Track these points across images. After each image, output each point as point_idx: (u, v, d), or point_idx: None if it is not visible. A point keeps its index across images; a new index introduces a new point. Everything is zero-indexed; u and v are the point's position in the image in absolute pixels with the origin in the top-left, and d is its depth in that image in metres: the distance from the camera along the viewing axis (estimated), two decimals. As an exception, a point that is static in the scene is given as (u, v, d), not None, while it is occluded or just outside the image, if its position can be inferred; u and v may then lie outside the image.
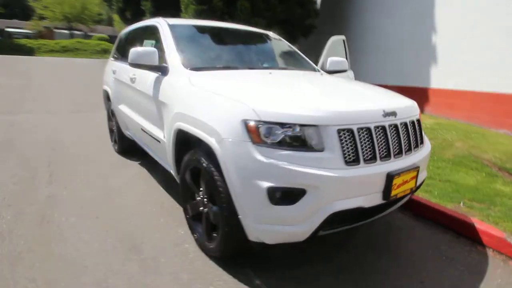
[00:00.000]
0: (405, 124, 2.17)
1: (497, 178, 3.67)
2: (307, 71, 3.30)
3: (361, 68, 8.02)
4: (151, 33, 3.41)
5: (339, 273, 2.20)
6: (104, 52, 29.95)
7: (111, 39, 34.58)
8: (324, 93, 2.37)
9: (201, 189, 2.30)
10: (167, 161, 2.73)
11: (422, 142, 2.39)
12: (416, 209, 3.08)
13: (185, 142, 2.40)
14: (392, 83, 7.60)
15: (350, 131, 1.86)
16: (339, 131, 1.83)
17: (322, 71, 3.42)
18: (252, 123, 1.79)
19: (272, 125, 1.79)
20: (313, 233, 1.85)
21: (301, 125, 1.80)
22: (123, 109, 3.80)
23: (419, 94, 7.04)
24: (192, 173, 2.34)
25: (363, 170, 1.86)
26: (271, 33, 3.91)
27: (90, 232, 2.56)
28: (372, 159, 1.92)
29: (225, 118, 1.91)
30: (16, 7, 43.11)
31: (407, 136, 2.18)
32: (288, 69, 3.34)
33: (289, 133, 1.79)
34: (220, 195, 1.97)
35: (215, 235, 2.20)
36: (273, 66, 3.47)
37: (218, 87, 2.22)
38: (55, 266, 2.14)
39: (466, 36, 6.45)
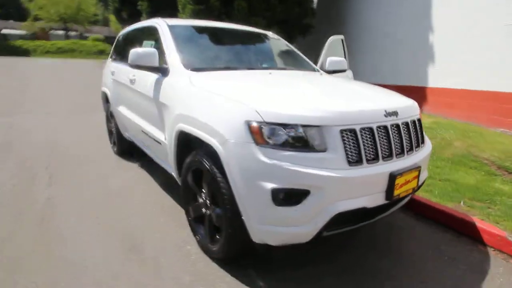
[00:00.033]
0: (406, 124, 2.18)
1: (496, 177, 3.69)
2: (307, 71, 3.30)
3: (358, 68, 8.03)
4: (150, 34, 3.39)
5: (342, 274, 2.20)
6: (100, 53, 29.83)
7: (107, 39, 34.48)
8: (326, 93, 2.37)
9: (203, 190, 2.29)
10: (168, 162, 2.72)
11: (423, 142, 2.39)
12: (417, 208, 3.09)
13: (187, 144, 2.39)
14: (389, 83, 7.62)
15: (353, 131, 1.86)
16: (341, 131, 1.83)
17: (321, 71, 3.43)
18: (255, 124, 1.79)
19: (275, 126, 1.79)
20: (317, 234, 1.85)
21: (304, 126, 1.79)
22: (123, 111, 3.79)
23: (417, 93, 7.06)
24: (194, 174, 2.33)
25: (366, 170, 1.86)
26: (270, 33, 3.91)
27: (90, 233, 2.55)
28: (374, 159, 1.92)
29: (228, 119, 1.91)
30: (10, 7, 42.80)
31: (409, 135, 2.18)
32: (288, 69, 3.34)
33: (292, 134, 1.79)
34: (223, 197, 1.97)
35: (218, 237, 2.19)
36: (273, 66, 3.47)
37: (219, 88, 2.21)
38: (55, 268, 2.13)
39: (463, 36, 6.47)
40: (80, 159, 4.19)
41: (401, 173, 1.98)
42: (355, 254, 2.46)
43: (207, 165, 2.08)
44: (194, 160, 2.26)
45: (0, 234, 2.49)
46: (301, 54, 3.73)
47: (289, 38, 7.86)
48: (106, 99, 4.56)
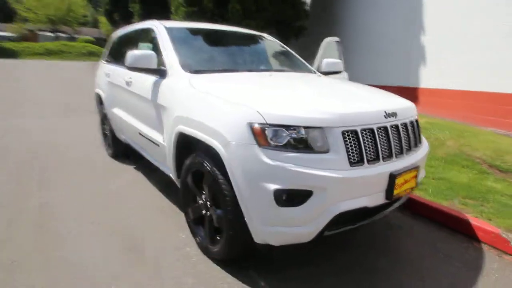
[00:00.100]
0: (405, 125, 2.22)
1: (488, 175, 3.77)
2: (305, 73, 3.33)
3: (352, 68, 8.10)
4: (147, 36, 3.38)
5: (342, 273, 2.23)
6: (90, 55, 29.46)
7: (98, 41, 34.13)
8: (326, 95, 2.39)
9: (203, 192, 2.29)
10: (167, 164, 2.71)
11: (420, 142, 2.44)
12: (413, 207, 3.14)
13: (186, 146, 2.39)
14: (383, 83, 7.70)
15: (354, 132, 1.89)
16: (343, 132, 1.85)
17: (318, 73, 3.46)
18: (258, 126, 1.80)
19: (277, 128, 1.80)
20: (319, 233, 1.87)
21: (306, 127, 1.82)
22: (118, 113, 3.76)
23: (411, 94, 7.16)
24: (194, 176, 2.33)
25: (367, 170, 1.89)
26: (266, 35, 3.93)
27: (89, 237, 2.53)
28: (375, 159, 1.96)
29: (230, 121, 1.92)
30: (-3, 9, 42.05)
31: (407, 136, 2.22)
32: (286, 71, 3.36)
33: (294, 136, 1.81)
34: (225, 198, 1.98)
35: (218, 238, 2.20)
36: (272, 68, 3.49)
37: (220, 90, 2.22)
38: (54, 271, 2.12)
39: (456, 37, 6.60)
40: (74, 162, 4.15)
41: (400, 173, 2.02)
42: (354, 253, 2.49)
43: (208, 166, 2.09)
44: (194, 162, 2.26)
45: (-1, 236, 2.47)
46: (297, 56, 3.76)
47: (283, 40, 7.91)
48: (100, 101, 4.52)
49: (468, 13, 6.31)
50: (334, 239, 2.58)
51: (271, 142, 1.80)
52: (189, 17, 8.07)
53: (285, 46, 3.87)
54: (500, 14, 5.80)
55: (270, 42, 3.86)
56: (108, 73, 4.13)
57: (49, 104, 8.07)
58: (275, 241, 1.92)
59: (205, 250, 2.32)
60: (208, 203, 2.25)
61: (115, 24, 15.32)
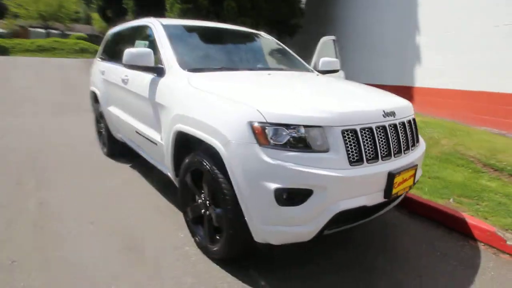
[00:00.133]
0: (403, 124, 2.23)
1: (483, 174, 3.81)
2: (303, 72, 3.33)
3: (347, 67, 8.13)
4: (143, 33, 3.36)
5: (341, 271, 2.24)
6: (83, 52, 29.10)
7: (90, 38, 33.75)
8: (325, 94, 2.40)
9: (202, 191, 2.28)
10: (165, 163, 2.69)
11: (417, 141, 2.46)
12: (409, 206, 3.16)
13: (185, 144, 2.38)
14: (377, 82, 7.74)
15: (354, 131, 1.90)
16: (343, 131, 1.86)
17: (316, 72, 3.46)
18: (258, 125, 1.80)
19: (277, 127, 1.80)
20: (318, 232, 1.88)
21: (306, 126, 1.82)
22: (114, 111, 3.73)
23: (404, 93, 7.20)
24: (193, 175, 2.32)
25: (366, 169, 1.90)
26: (263, 33, 3.92)
27: (87, 237, 2.51)
28: (374, 158, 1.97)
29: (230, 120, 1.91)
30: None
31: (405, 135, 2.24)
32: (284, 70, 3.36)
33: (294, 135, 1.81)
34: (225, 197, 1.97)
35: (218, 237, 2.19)
36: (270, 67, 3.48)
37: (219, 88, 2.21)
38: (54, 271, 2.10)
39: (450, 36, 6.66)
40: (69, 161, 4.11)
41: (399, 172, 2.03)
42: (353, 252, 2.50)
43: (208, 165, 2.08)
44: (193, 160, 2.25)
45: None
46: (295, 55, 3.76)
47: (278, 38, 7.90)
48: (95, 99, 4.48)
49: (467, 13, 6.33)
50: (333, 238, 2.59)
51: (271, 141, 1.80)
52: (184, 14, 8.02)
53: (282, 45, 3.87)
54: (499, 14, 5.83)
55: (268, 41, 3.85)
56: (103, 70, 4.08)
57: (44, 103, 7.97)
58: (275, 240, 1.92)
59: (205, 250, 2.31)
60: (207, 202, 2.24)
61: (108, 21, 15.20)
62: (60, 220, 2.73)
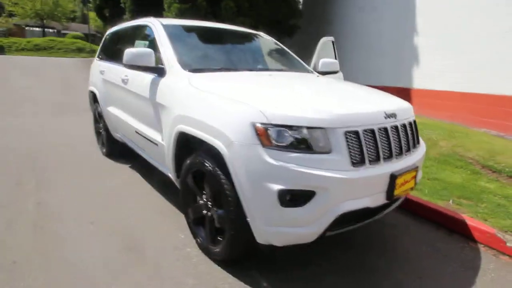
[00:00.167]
0: (404, 125, 2.24)
1: (482, 175, 3.83)
2: (303, 73, 3.33)
3: (344, 68, 8.16)
4: (143, 33, 3.35)
5: (342, 273, 2.24)
6: (79, 51, 28.99)
7: (87, 37, 33.60)
8: (327, 95, 2.39)
9: (204, 192, 2.27)
10: (165, 164, 2.68)
11: (418, 143, 2.46)
12: (409, 207, 3.17)
13: (186, 145, 2.37)
14: (374, 83, 7.77)
15: (356, 133, 1.90)
16: (345, 133, 1.86)
17: (316, 73, 3.46)
18: (261, 126, 1.79)
19: (281, 128, 1.80)
20: (321, 234, 1.88)
21: (309, 128, 1.81)
22: (114, 111, 3.71)
23: (403, 94, 7.22)
24: (194, 176, 2.31)
25: (369, 171, 1.90)
26: (263, 34, 3.92)
27: (87, 238, 2.49)
28: (376, 160, 1.97)
29: (233, 121, 1.90)
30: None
31: (406, 137, 2.24)
32: (285, 71, 3.36)
33: (297, 136, 1.81)
34: (227, 198, 1.96)
35: (219, 238, 2.18)
36: (270, 67, 3.47)
37: (221, 89, 2.20)
38: (54, 271, 2.09)
39: (447, 39, 6.69)
40: (69, 161, 4.09)
41: (401, 173, 2.04)
42: (354, 253, 2.50)
43: (210, 166, 2.07)
44: (195, 161, 2.24)
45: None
46: (295, 56, 3.75)
47: (276, 38, 7.91)
48: (94, 99, 4.45)
49: (466, 13, 6.36)
50: (334, 239, 2.59)
51: (274, 142, 1.79)
52: (182, 14, 8.00)
53: (282, 45, 3.87)
54: (499, 15, 5.86)
55: (267, 41, 3.85)
56: (102, 70, 4.06)
57: (43, 103, 7.94)
58: (278, 242, 1.92)
59: (206, 251, 2.30)
60: (209, 203, 2.23)
61: (106, 20, 15.12)
62: (60, 220, 2.71)
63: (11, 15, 33.18)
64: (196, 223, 2.41)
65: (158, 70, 2.71)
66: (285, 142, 1.80)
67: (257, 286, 2.06)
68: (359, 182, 1.86)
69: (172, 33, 2.98)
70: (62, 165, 3.94)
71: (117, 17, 12.69)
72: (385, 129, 2.05)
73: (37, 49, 28.01)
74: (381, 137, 2.01)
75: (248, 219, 1.90)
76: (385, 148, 2.04)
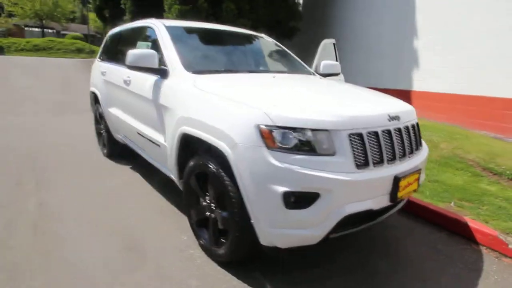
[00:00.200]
0: (407, 128, 2.24)
1: (482, 177, 3.84)
2: (306, 75, 3.33)
3: (343, 70, 8.18)
4: (145, 34, 3.35)
5: (345, 275, 2.25)
6: (79, 52, 28.95)
7: (86, 38, 33.58)
8: (331, 97, 2.40)
9: (207, 194, 2.27)
10: (168, 165, 2.68)
11: (421, 145, 2.47)
12: (411, 209, 3.17)
13: (189, 146, 2.37)
14: (373, 85, 7.78)
15: (360, 135, 1.90)
16: (349, 135, 1.86)
17: (318, 75, 3.47)
18: (266, 128, 1.80)
19: (285, 130, 1.80)
20: (325, 236, 1.87)
21: (313, 130, 1.82)
22: (115, 112, 3.71)
23: (402, 96, 7.24)
24: (197, 178, 2.31)
25: (373, 173, 1.91)
26: (265, 36, 3.93)
27: (89, 240, 2.48)
28: (379, 162, 1.97)
29: (238, 123, 1.91)
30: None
31: (409, 139, 2.25)
32: (288, 73, 3.36)
33: (302, 138, 1.81)
34: (231, 200, 1.96)
35: (223, 240, 2.18)
36: (273, 69, 3.48)
37: (226, 91, 2.20)
38: (54, 271, 2.09)
39: (446, 41, 6.71)
40: (68, 161, 4.08)
41: (404, 175, 2.04)
42: (357, 255, 2.50)
43: (214, 168, 2.07)
44: (198, 163, 2.24)
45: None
46: (297, 58, 3.76)
47: (276, 40, 7.92)
48: (95, 100, 4.45)
49: (466, 14, 6.38)
50: (337, 241, 2.59)
51: (279, 144, 1.80)
52: (183, 15, 8.00)
53: (284, 47, 3.88)
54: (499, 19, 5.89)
55: (270, 43, 3.86)
56: (104, 71, 4.06)
57: (44, 102, 7.94)
58: (282, 244, 1.92)
59: (209, 252, 2.30)
60: (212, 205, 2.23)
61: (105, 21, 15.09)
62: (60, 220, 2.71)
63: (10, 15, 33.15)
64: (199, 224, 2.41)
65: (161, 72, 2.71)
66: (289, 144, 1.80)
67: (261, 288, 2.06)
68: (363, 184, 1.86)
69: (175, 35, 2.98)
70: (63, 165, 3.95)
71: (117, 18, 12.67)
72: (389, 132, 2.06)
73: (37, 50, 27.96)
74: (384, 140, 2.02)
75: (252, 221, 1.90)
76: (389, 150, 2.05)
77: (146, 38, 3.33)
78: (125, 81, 3.32)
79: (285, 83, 2.70)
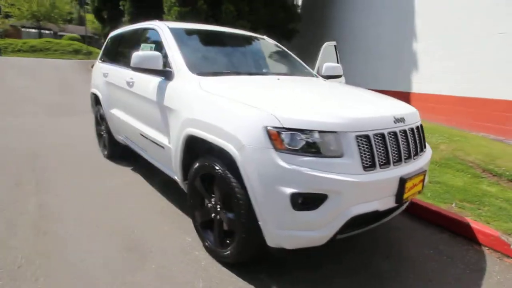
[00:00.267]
0: (412, 130, 2.26)
1: (482, 179, 3.87)
2: (309, 77, 3.35)
3: (343, 71, 8.21)
4: (149, 36, 3.35)
5: (351, 276, 2.25)
6: (76, 53, 28.87)
7: (83, 39, 33.48)
8: (337, 99, 2.42)
9: (213, 195, 2.28)
10: (172, 167, 2.68)
11: (425, 147, 2.49)
12: (414, 210, 3.19)
13: (195, 148, 2.37)
14: (372, 87, 7.81)
15: (367, 137, 1.92)
16: (356, 137, 1.88)
17: (320, 77, 3.49)
18: (274, 130, 1.81)
19: (293, 132, 1.81)
20: (332, 237, 1.89)
21: (321, 132, 1.83)
22: (117, 113, 3.70)
23: (402, 98, 7.27)
24: (203, 179, 2.32)
25: (379, 175, 1.92)
26: (267, 38, 3.95)
27: (92, 242, 2.48)
28: (386, 164, 1.99)
29: (245, 125, 1.91)
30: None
31: (414, 141, 2.27)
32: (292, 75, 3.38)
33: (309, 140, 1.82)
34: (238, 202, 1.97)
35: (228, 241, 2.19)
36: (276, 71, 3.49)
37: (232, 92, 2.21)
38: (54, 272, 2.09)
39: (445, 43, 6.76)
40: (68, 161, 4.08)
41: (410, 177, 2.06)
42: (360, 256, 2.51)
43: (220, 170, 2.08)
44: (204, 164, 2.25)
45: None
46: (299, 60, 3.78)
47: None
48: (96, 101, 4.44)
49: (466, 16, 6.41)
50: (341, 242, 2.60)
51: (287, 146, 1.81)
52: (182, 17, 8.00)
53: (286, 50, 3.89)
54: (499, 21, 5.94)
55: (272, 45, 3.87)
56: (106, 73, 4.05)
57: (43, 103, 7.92)
58: (289, 245, 1.92)
59: (214, 254, 2.30)
60: (218, 206, 2.24)
61: (104, 23, 15.06)
62: (60, 221, 2.71)
63: (7, 16, 33.01)
64: (204, 226, 2.41)
65: (166, 74, 2.71)
66: (297, 146, 1.81)
67: (267, 289, 2.07)
68: (370, 185, 1.87)
69: (179, 37, 2.99)
70: (62, 165, 3.94)
71: (115, 19, 12.66)
72: (395, 133, 2.08)
73: (33, 51, 27.85)
74: (390, 141, 2.04)
75: (259, 223, 1.91)
76: (395, 152, 2.06)
77: (149, 40, 3.33)
78: (128, 83, 3.32)
79: (290, 85, 2.72)
